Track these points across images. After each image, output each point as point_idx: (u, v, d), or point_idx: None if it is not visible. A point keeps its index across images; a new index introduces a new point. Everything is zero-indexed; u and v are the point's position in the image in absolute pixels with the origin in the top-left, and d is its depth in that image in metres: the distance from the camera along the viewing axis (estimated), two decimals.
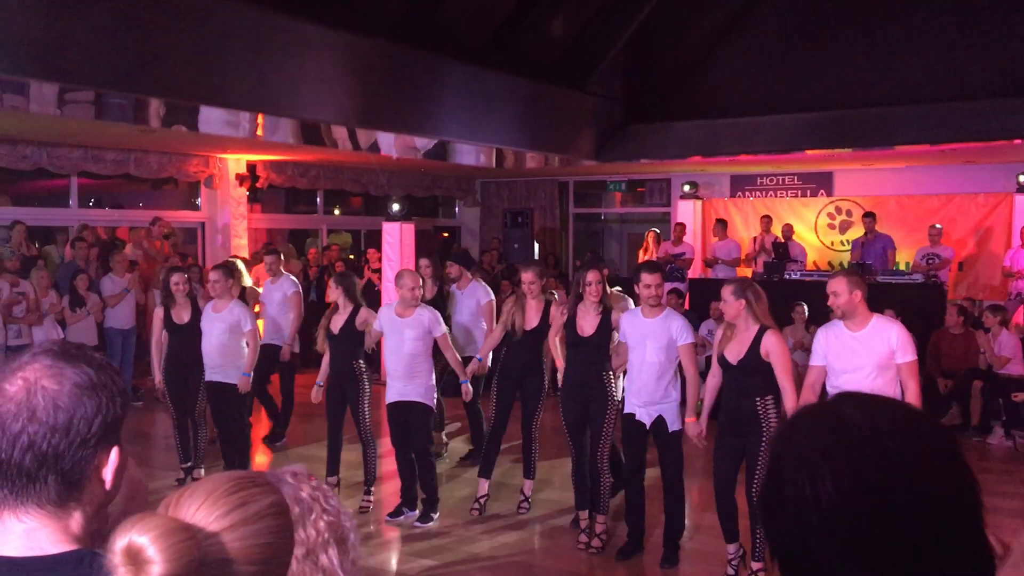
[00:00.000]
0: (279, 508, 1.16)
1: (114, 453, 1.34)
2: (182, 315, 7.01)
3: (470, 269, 7.82)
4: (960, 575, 1.04)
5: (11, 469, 1.27)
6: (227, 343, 6.78)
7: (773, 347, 4.92)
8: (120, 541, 1.02)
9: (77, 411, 1.28)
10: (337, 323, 6.48)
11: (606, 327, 5.63)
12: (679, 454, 5.46)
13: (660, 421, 5.40)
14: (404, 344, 6.13)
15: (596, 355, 5.67)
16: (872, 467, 1.05)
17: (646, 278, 5.38)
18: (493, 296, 7.75)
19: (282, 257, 8.99)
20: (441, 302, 7.49)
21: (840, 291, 4.76)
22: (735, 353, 5.02)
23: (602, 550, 5.76)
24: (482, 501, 6.50)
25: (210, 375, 6.88)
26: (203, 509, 1.09)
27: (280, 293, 8.53)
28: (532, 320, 6.46)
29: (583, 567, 5.65)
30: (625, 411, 5.51)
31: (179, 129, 8.18)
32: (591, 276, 5.66)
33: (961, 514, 1.05)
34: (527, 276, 6.44)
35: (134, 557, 1.01)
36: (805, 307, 9.29)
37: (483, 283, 7.81)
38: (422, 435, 6.22)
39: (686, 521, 5.80)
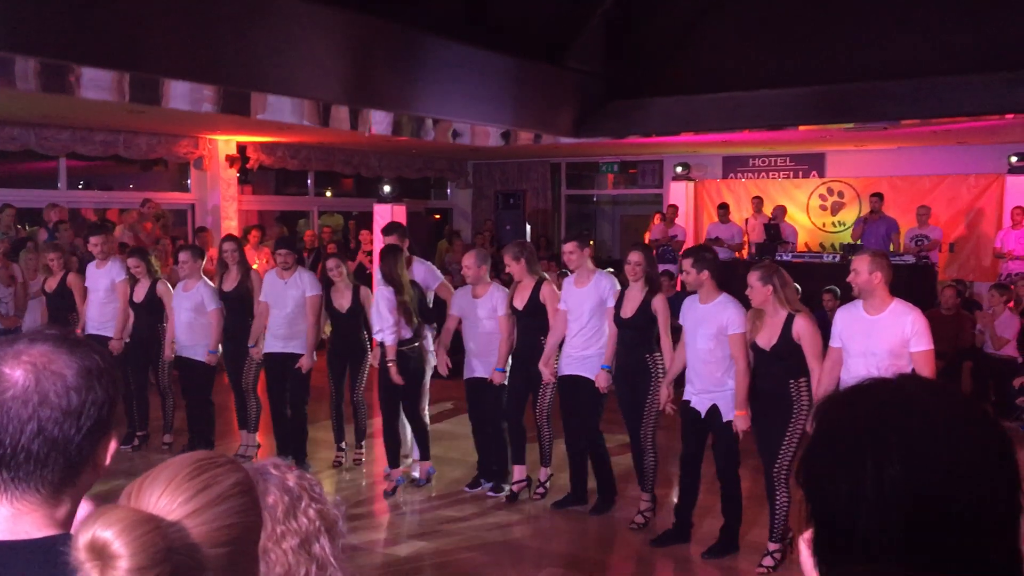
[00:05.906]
0: (244, 487, 1.13)
1: (112, 439, 1.33)
2: (140, 293, 7.47)
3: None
4: (997, 569, 1.04)
5: (17, 455, 1.24)
6: (194, 321, 7.07)
7: (804, 331, 4.96)
8: (83, 536, 0.99)
9: (89, 396, 1.27)
10: (344, 303, 6.93)
11: (647, 309, 5.65)
12: (733, 446, 5.29)
13: (714, 410, 5.29)
14: (479, 323, 6.31)
15: (638, 337, 5.70)
16: (939, 452, 1.04)
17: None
18: (319, 290, 6.94)
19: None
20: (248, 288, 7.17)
21: (860, 269, 4.74)
22: (766, 339, 5.04)
23: (644, 526, 5.78)
24: (546, 484, 6.43)
25: (179, 351, 7.26)
26: (166, 496, 1.06)
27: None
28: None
29: (591, 553, 5.61)
30: (683, 397, 5.47)
31: (168, 109, 8.04)
32: (633, 256, 5.75)
33: (1009, 511, 1.05)
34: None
35: (100, 552, 0.98)
36: (798, 288, 9.27)
37: (310, 274, 7.07)
38: (495, 411, 6.38)
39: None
